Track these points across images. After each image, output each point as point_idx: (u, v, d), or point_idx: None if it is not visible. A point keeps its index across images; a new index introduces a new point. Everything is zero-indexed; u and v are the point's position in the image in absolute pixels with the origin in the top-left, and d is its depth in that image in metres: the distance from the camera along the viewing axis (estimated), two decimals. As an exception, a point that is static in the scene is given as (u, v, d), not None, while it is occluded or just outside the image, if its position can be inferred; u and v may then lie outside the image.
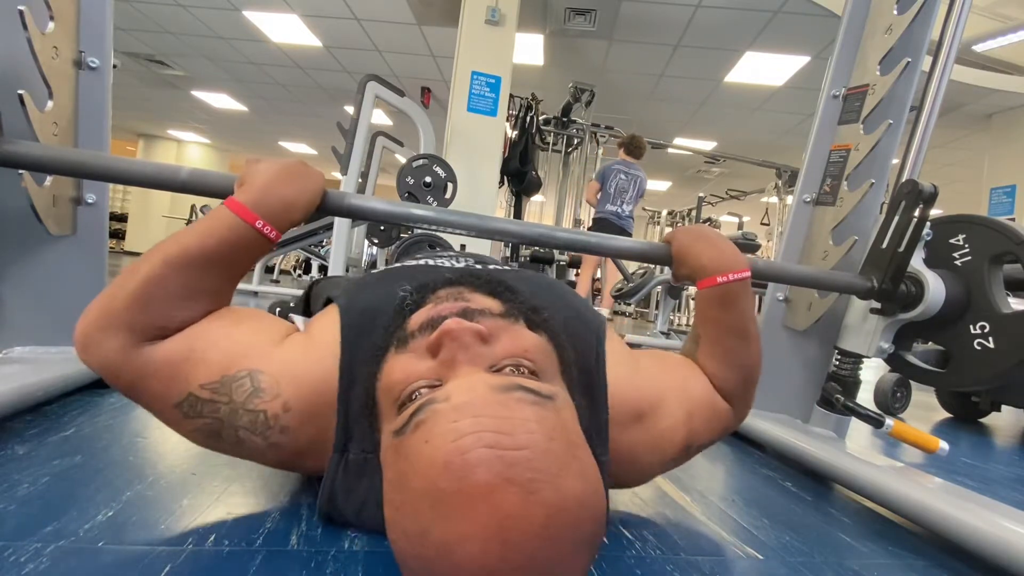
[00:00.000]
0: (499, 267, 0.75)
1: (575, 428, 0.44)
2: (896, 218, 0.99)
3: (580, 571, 0.38)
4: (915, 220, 0.97)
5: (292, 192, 0.63)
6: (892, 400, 1.98)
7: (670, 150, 6.72)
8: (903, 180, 1.03)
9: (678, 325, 6.79)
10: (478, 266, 0.75)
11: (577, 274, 4.74)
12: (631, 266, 4.33)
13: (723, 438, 0.78)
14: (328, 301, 0.70)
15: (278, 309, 1.96)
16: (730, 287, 0.72)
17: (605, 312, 4.32)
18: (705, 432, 0.71)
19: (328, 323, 0.60)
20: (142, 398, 0.56)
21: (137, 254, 9.85)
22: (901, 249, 0.97)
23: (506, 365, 0.46)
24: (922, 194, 0.96)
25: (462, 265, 0.74)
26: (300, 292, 4.69)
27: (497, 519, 0.34)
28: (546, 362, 0.49)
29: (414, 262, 0.76)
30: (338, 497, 0.55)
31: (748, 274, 0.73)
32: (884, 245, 1.00)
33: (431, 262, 0.74)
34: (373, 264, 5.02)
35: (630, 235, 4.10)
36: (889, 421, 0.99)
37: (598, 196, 4.21)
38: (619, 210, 4.16)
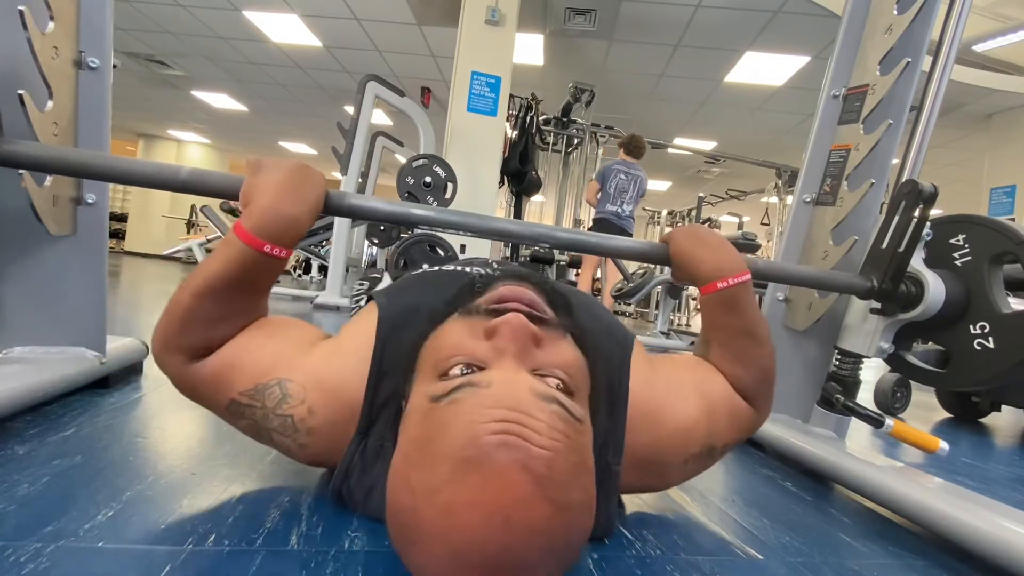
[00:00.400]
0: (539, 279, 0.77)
1: (590, 455, 0.46)
2: (896, 218, 0.99)
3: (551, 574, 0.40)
4: (915, 220, 0.97)
5: (295, 209, 0.63)
6: (892, 400, 1.98)
7: (670, 150, 6.71)
8: (903, 180, 1.03)
9: (678, 325, 6.79)
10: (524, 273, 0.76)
11: (577, 274, 4.74)
12: (631, 266, 4.33)
13: (747, 438, 0.78)
14: (368, 300, 0.73)
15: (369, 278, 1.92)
16: (731, 291, 0.73)
17: None
18: (727, 431, 0.71)
19: (364, 323, 0.65)
20: (203, 404, 0.64)
21: (137, 254, 9.89)
22: (901, 249, 0.97)
23: (548, 374, 0.48)
24: (922, 194, 0.96)
25: (485, 272, 0.75)
26: (298, 292, 4.63)
27: (508, 498, 0.37)
28: (581, 382, 0.51)
29: (452, 267, 0.78)
30: (352, 477, 0.59)
31: (748, 276, 0.74)
32: (884, 245, 0.99)
33: (467, 269, 0.76)
34: (373, 264, 5.02)
35: (630, 235, 4.09)
36: (889, 421, 0.99)
37: (598, 196, 4.21)
38: (619, 210, 4.16)
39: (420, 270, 0.82)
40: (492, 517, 0.37)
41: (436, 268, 0.79)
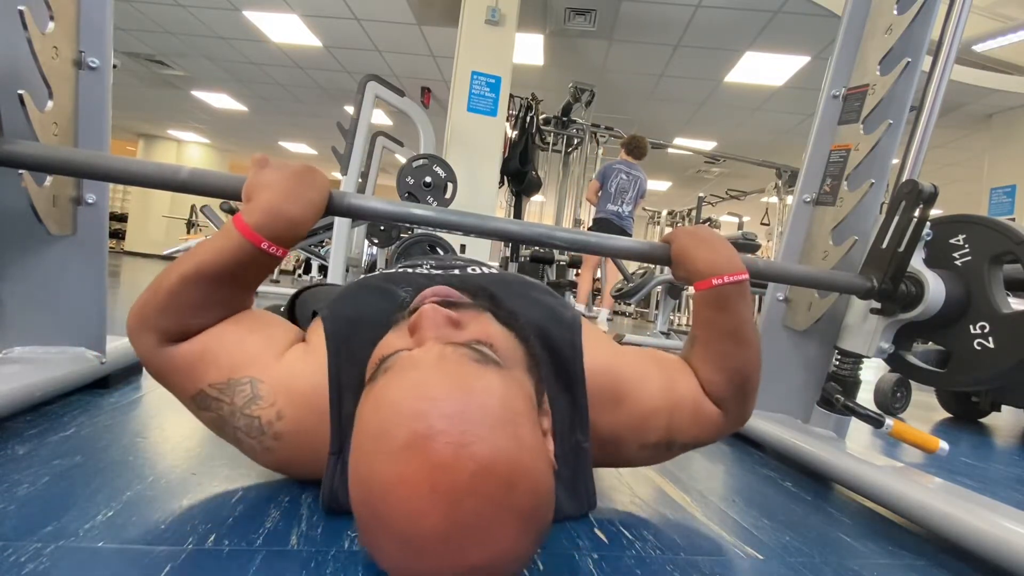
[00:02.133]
0: (476, 272, 0.78)
1: (522, 401, 0.45)
2: (896, 218, 0.99)
3: (510, 540, 0.38)
4: (915, 220, 0.97)
5: (298, 210, 0.63)
6: (892, 400, 1.98)
7: (670, 150, 6.71)
8: (903, 180, 1.03)
9: (678, 325, 6.79)
10: (454, 271, 0.78)
11: (577, 274, 4.74)
12: (631, 266, 4.33)
13: (714, 442, 0.78)
14: (315, 314, 0.72)
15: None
16: (724, 289, 0.72)
17: (605, 312, 4.31)
18: (688, 430, 0.71)
19: (319, 336, 0.64)
20: (168, 387, 0.63)
21: (137, 254, 9.89)
22: (901, 249, 0.97)
23: (466, 344, 0.48)
24: (922, 194, 0.96)
25: (438, 272, 0.77)
26: (300, 292, 4.58)
27: (429, 466, 0.36)
28: (508, 350, 0.51)
29: (392, 270, 0.79)
30: (339, 495, 0.58)
31: (745, 277, 0.73)
32: (884, 245, 0.99)
33: (409, 270, 0.77)
34: (373, 264, 5.02)
35: (630, 235, 4.09)
36: (889, 421, 0.99)
37: (598, 195, 4.21)
38: (620, 210, 4.16)
39: (359, 277, 0.82)
40: (419, 488, 0.36)
41: (378, 272, 0.79)
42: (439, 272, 0.77)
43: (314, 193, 0.66)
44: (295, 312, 0.90)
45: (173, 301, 0.60)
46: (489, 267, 0.81)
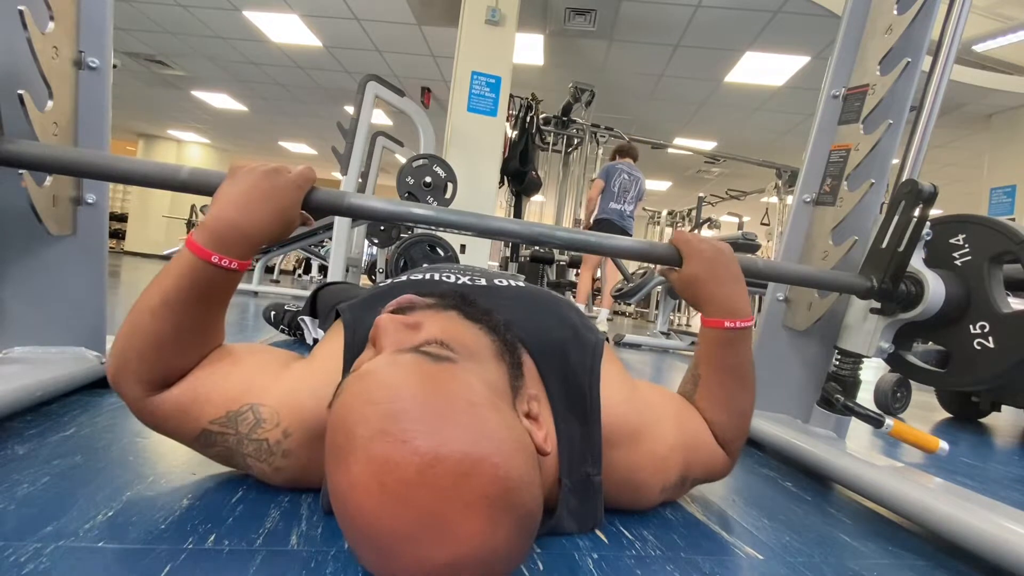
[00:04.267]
0: (502, 283, 0.77)
1: (479, 390, 0.44)
2: (896, 218, 0.99)
3: (476, 533, 0.36)
4: (915, 220, 0.97)
5: (248, 220, 0.61)
6: (892, 400, 1.98)
7: (670, 150, 6.71)
8: (903, 180, 1.03)
9: (678, 325, 6.79)
10: (482, 281, 0.77)
11: (577, 274, 4.74)
12: (631, 266, 4.33)
13: (716, 480, 0.79)
14: (335, 311, 0.72)
15: (272, 313, 1.96)
16: (736, 333, 0.74)
17: (605, 312, 4.30)
18: (700, 468, 0.73)
19: (334, 345, 0.65)
20: (167, 434, 0.63)
21: (137, 254, 9.88)
22: (901, 249, 0.97)
23: (425, 345, 0.48)
24: (922, 194, 0.96)
25: (463, 280, 0.76)
26: (298, 292, 4.61)
27: (373, 467, 0.37)
28: (467, 342, 0.51)
29: (419, 276, 0.78)
30: None
31: (751, 323, 0.75)
32: (884, 245, 0.99)
33: (436, 276, 0.76)
34: (373, 264, 5.01)
35: (630, 236, 4.09)
36: (889, 421, 0.99)
37: (601, 194, 4.20)
38: (622, 208, 4.17)
39: (388, 281, 0.81)
40: (369, 490, 0.36)
41: (405, 278, 0.79)
42: (466, 280, 0.76)
43: (275, 198, 0.63)
44: (316, 306, 0.91)
45: (149, 340, 0.59)
46: (514, 279, 0.80)
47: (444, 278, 0.76)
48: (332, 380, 0.59)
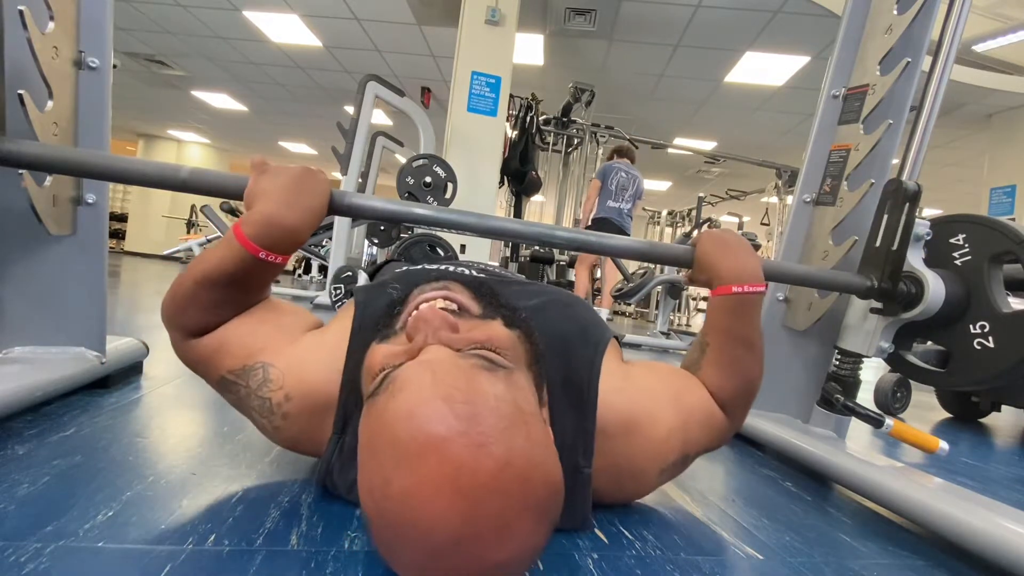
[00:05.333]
0: (512, 279, 0.78)
1: (528, 400, 0.46)
2: (885, 217, 0.99)
3: (528, 534, 0.39)
4: (904, 218, 0.97)
5: (295, 219, 0.64)
6: (892, 400, 1.98)
7: (670, 150, 6.71)
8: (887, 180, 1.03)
9: (678, 325, 6.79)
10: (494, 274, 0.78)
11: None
12: (631, 266, 4.33)
13: (720, 446, 0.78)
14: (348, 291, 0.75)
15: (346, 273, 1.98)
16: (744, 298, 0.73)
17: (605, 312, 4.30)
18: (702, 440, 0.72)
19: (344, 321, 0.67)
20: (198, 373, 0.69)
21: (137, 254, 9.88)
22: (894, 247, 0.97)
23: (471, 350, 0.48)
24: (906, 192, 0.96)
25: (474, 274, 0.76)
26: (298, 292, 4.61)
27: (450, 468, 0.36)
28: (513, 351, 0.51)
29: (435, 266, 0.79)
30: (334, 473, 0.62)
31: (763, 289, 0.75)
32: (878, 244, 1.00)
33: (452, 268, 0.77)
34: (373, 264, 5.02)
35: (628, 235, 4.09)
36: (889, 421, 0.99)
37: (599, 193, 4.19)
38: (620, 207, 4.15)
39: (405, 267, 0.83)
40: (441, 491, 0.36)
41: (420, 267, 0.80)
42: (475, 274, 0.76)
43: (313, 199, 0.67)
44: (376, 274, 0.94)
45: (189, 303, 0.65)
46: (529, 280, 0.81)
47: (461, 271, 0.76)
48: (336, 356, 0.63)
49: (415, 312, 0.52)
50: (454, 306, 0.55)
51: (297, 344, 0.66)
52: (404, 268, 0.80)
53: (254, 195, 0.65)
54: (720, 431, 0.74)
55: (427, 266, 0.80)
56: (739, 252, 0.76)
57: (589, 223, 4.34)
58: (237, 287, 0.65)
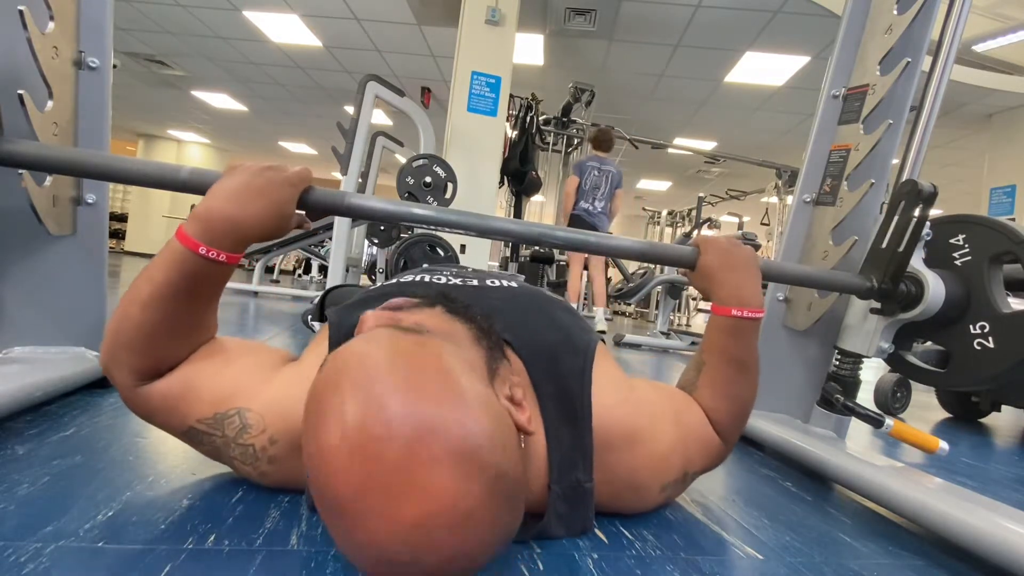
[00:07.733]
0: (494, 284, 0.77)
1: (449, 360, 0.45)
2: (896, 218, 0.99)
3: (449, 490, 0.36)
4: (915, 220, 0.97)
5: (240, 210, 0.60)
6: (892, 400, 1.98)
7: (670, 150, 6.71)
8: (903, 180, 1.03)
9: (678, 325, 6.79)
10: (474, 282, 0.77)
11: (578, 275, 4.70)
12: (631, 266, 4.32)
13: (714, 468, 0.79)
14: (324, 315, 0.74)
15: (308, 316, 1.99)
16: (742, 322, 0.74)
17: (601, 311, 4.26)
18: (700, 461, 0.73)
19: (321, 347, 0.65)
20: (156, 426, 0.63)
21: (137, 254, 9.88)
22: (901, 249, 0.97)
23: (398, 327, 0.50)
24: (921, 194, 0.96)
25: (454, 281, 0.76)
26: (298, 292, 4.61)
27: (344, 427, 0.37)
28: (446, 328, 0.53)
29: (409, 278, 0.78)
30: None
31: (761, 315, 0.75)
32: (884, 245, 0.99)
33: (426, 278, 0.77)
34: (373, 264, 5.01)
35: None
36: (889, 421, 0.99)
37: (578, 191, 4.09)
38: (590, 207, 4.04)
39: (378, 285, 0.82)
40: (339, 450, 0.37)
41: (395, 281, 0.79)
42: (457, 281, 0.76)
43: (270, 192, 0.62)
44: (325, 308, 0.91)
45: (135, 333, 0.59)
46: (510, 280, 0.80)
47: (435, 280, 0.76)
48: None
49: (361, 317, 0.54)
50: (391, 308, 0.57)
51: (271, 383, 0.61)
52: (379, 285, 0.80)
53: (206, 195, 0.62)
54: (716, 453, 0.75)
55: (401, 279, 0.79)
56: (743, 273, 0.76)
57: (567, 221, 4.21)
58: (186, 299, 0.60)
